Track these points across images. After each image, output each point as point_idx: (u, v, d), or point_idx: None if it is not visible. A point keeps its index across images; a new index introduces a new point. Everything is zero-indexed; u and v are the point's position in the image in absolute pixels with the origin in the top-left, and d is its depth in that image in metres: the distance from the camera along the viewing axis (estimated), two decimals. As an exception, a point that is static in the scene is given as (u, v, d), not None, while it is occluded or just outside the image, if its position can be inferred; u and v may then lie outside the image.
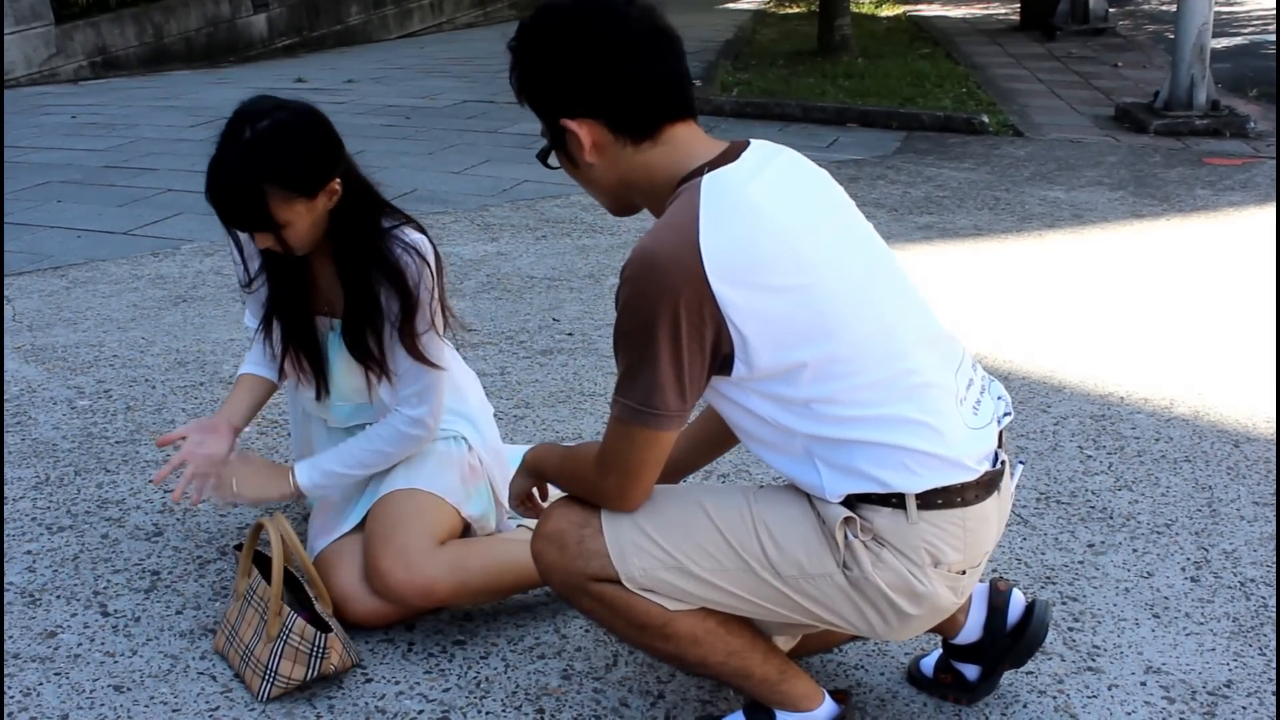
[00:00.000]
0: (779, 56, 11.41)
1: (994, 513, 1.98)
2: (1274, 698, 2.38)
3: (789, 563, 1.93)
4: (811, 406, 1.87)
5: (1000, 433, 2.03)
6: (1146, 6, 16.10)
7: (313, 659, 2.31)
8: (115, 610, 2.67)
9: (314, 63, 12.71)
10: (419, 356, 2.54)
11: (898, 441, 1.87)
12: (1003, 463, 2.00)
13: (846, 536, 1.89)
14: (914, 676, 2.40)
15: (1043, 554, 2.90)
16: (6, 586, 2.76)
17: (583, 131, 1.89)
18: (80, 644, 2.54)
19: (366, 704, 2.35)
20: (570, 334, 4.42)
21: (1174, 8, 8.55)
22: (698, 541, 1.95)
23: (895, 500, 1.88)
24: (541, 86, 1.92)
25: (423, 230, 2.57)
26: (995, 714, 2.32)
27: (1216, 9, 8.73)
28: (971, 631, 2.25)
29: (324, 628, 2.35)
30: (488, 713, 2.33)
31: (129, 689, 2.40)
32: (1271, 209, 6.23)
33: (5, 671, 2.45)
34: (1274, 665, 2.48)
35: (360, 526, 2.61)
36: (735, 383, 1.88)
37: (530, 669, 2.46)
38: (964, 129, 8.45)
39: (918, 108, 8.87)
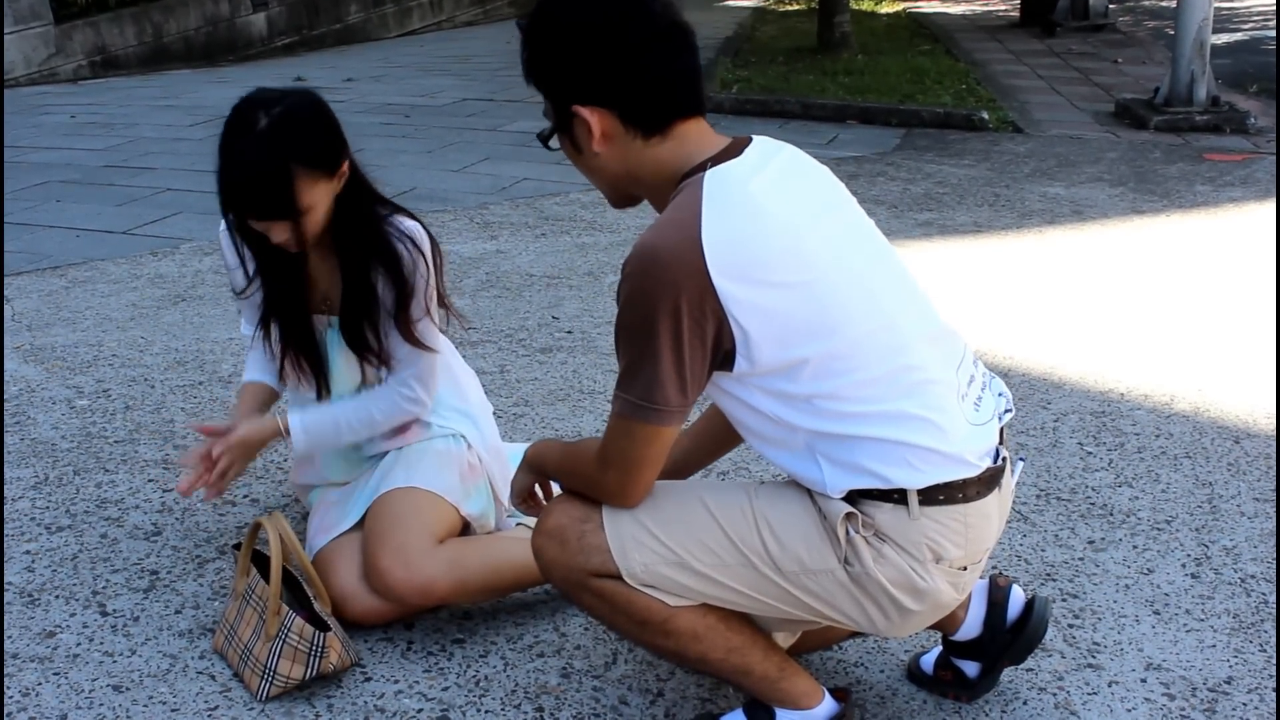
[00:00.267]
0: (779, 53, 11.41)
1: (995, 509, 1.98)
2: (1275, 694, 2.37)
3: (790, 558, 1.93)
4: (813, 402, 1.86)
5: (1001, 429, 2.03)
6: (1146, 2, 16.09)
7: (311, 658, 2.31)
8: (114, 610, 2.66)
9: (313, 61, 12.71)
10: (415, 342, 2.56)
11: (900, 437, 1.87)
12: (1004, 459, 2.00)
13: (848, 532, 1.89)
14: (914, 674, 2.40)
15: (1043, 551, 2.90)
16: (6, 586, 2.75)
17: (594, 119, 1.89)
18: (79, 644, 2.54)
19: (365, 703, 2.35)
20: (569, 332, 4.42)
21: (1174, 4, 8.55)
22: (699, 537, 1.95)
23: (897, 496, 1.88)
24: (557, 69, 1.91)
25: (416, 219, 2.58)
26: (995, 711, 2.32)
27: (1216, 5, 8.72)
28: (971, 628, 2.25)
29: (323, 627, 2.35)
30: (487, 711, 2.33)
31: (128, 689, 2.39)
32: (1272, 205, 6.23)
33: (4, 671, 2.44)
34: (1274, 662, 2.47)
35: (359, 525, 2.61)
36: (737, 378, 1.88)
37: (529, 667, 2.46)
38: (964, 125, 8.44)
39: (918, 104, 8.87)
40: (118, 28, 12.11)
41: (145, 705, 2.34)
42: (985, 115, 8.50)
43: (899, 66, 10.40)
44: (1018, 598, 2.26)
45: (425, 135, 8.26)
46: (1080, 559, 2.86)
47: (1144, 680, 2.41)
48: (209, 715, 2.32)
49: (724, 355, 1.84)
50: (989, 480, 1.94)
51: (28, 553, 2.90)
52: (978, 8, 15.99)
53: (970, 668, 2.30)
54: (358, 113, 9.07)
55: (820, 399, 1.86)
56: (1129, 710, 2.32)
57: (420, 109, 9.30)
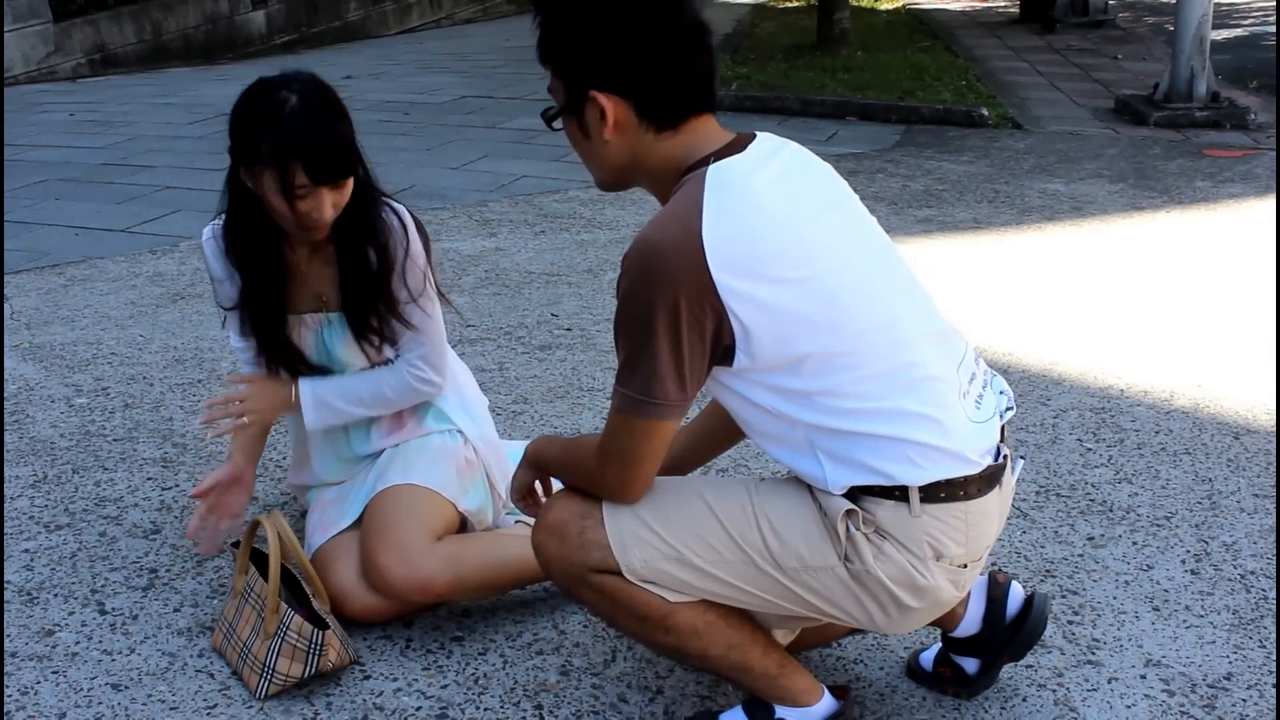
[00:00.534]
0: (778, 50, 11.40)
1: (995, 507, 1.98)
2: (1274, 690, 2.37)
3: (790, 555, 1.93)
4: (813, 398, 1.86)
5: (1002, 427, 2.03)
6: (1146, -2, 16.08)
7: (310, 656, 2.31)
8: (113, 608, 2.66)
9: (312, 59, 12.70)
10: (401, 319, 2.59)
11: (901, 434, 1.86)
12: (1004, 457, 2.00)
13: (848, 529, 1.89)
14: (913, 670, 2.40)
15: (1042, 547, 2.90)
16: (5, 584, 2.75)
17: (611, 107, 1.88)
18: (78, 642, 2.54)
19: (364, 701, 2.35)
20: (569, 329, 4.42)
21: (1173, -1, 8.55)
22: (699, 533, 1.95)
23: (898, 493, 1.88)
24: (581, 52, 1.90)
25: (397, 203, 2.61)
26: (994, 707, 2.32)
27: (1216, 0, 8.71)
28: (970, 624, 2.25)
29: (321, 625, 2.35)
30: (486, 709, 2.33)
31: (127, 687, 2.39)
32: (1271, 201, 6.22)
33: (3, 670, 2.44)
34: (1274, 658, 2.47)
35: (357, 523, 2.61)
36: (737, 373, 1.88)
37: (528, 665, 2.46)
38: (963, 122, 8.44)
39: (917, 101, 8.86)
40: (117, 26, 12.11)
41: (144, 703, 2.34)
42: (985, 112, 8.49)
43: (898, 63, 10.40)
44: (1017, 594, 2.26)
45: (424, 133, 8.26)
46: (1080, 555, 2.86)
47: (1143, 676, 2.41)
48: (208, 713, 2.31)
49: (724, 350, 1.84)
50: (990, 478, 1.94)
51: (26, 551, 2.89)
52: (977, 4, 15.97)
53: (969, 664, 2.30)
54: (357, 110, 8.99)
55: (820, 395, 1.86)
56: (1128, 707, 2.32)
57: (419, 106, 9.29)
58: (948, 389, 1.92)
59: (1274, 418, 3.63)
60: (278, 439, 3.45)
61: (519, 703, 2.34)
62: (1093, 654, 2.48)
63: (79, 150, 7.65)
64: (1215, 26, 8.65)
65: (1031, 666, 2.43)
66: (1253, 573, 2.79)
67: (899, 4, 16.08)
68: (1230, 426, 3.58)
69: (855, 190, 2.10)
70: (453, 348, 4.13)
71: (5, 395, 3.83)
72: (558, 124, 1.99)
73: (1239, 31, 12.94)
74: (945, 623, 2.25)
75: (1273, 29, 12.60)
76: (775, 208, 1.85)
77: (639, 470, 1.93)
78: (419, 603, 2.52)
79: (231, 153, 2.43)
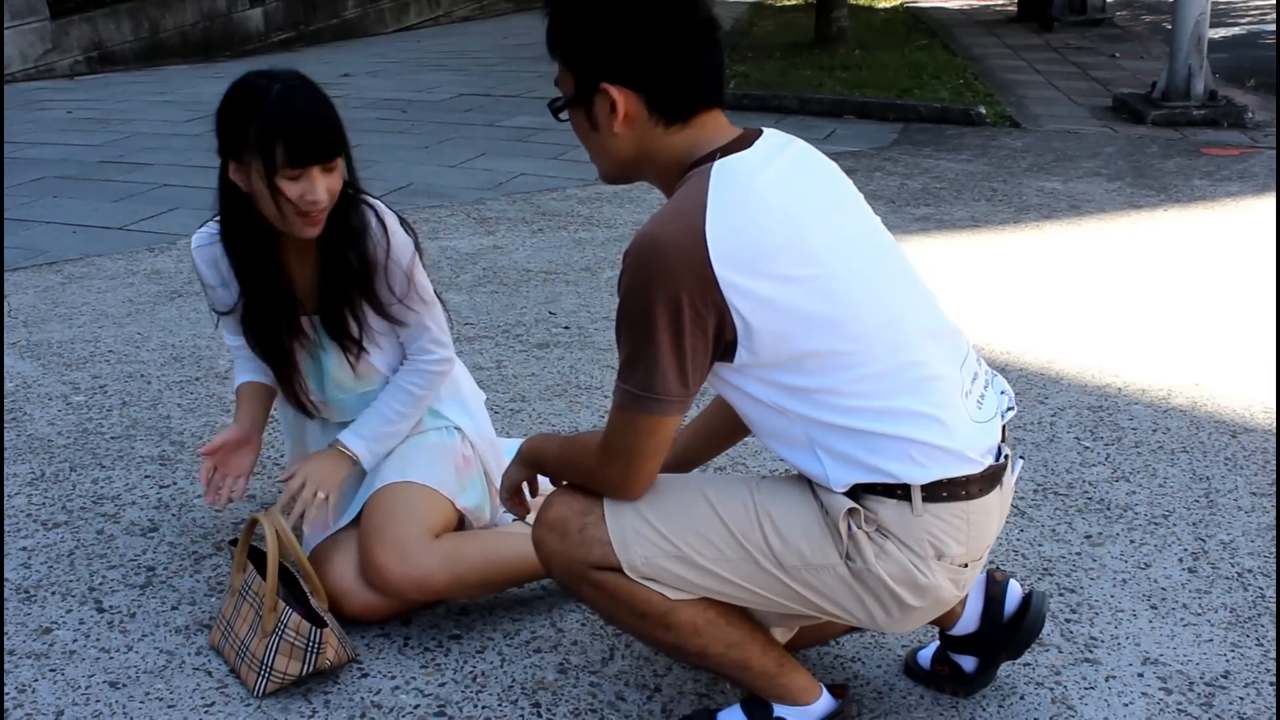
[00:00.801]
0: (776, 48, 11.40)
1: (996, 507, 1.98)
2: (1272, 688, 2.37)
3: (791, 553, 1.93)
4: (814, 396, 1.86)
5: (1003, 427, 2.03)
6: (1144, -3, 16.08)
7: (308, 654, 2.31)
8: (111, 606, 2.66)
9: (310, 57, 12.70)
10: (391, 319, 2.59)
11: (903, 433, 1.86)
12: (1005, 457, 2.00)
13: (850, 527, 1.89)
14: (911, 669, 2.40)
15: (1040, 545, 2.90)
16: (3, 582, 2.75)
17: (620, 99, 1.88)
18: (76, 640, 2.54)
19: (362, 699, 2.35)
20: (567, 327, 4.42)
21: (1171, -2, 8.55)
22: (700, 530, 1.95)
23: (900, 491, 1.88)
24: (593, 44, 1.89)
25: (377, 200, 2.60)
26: (993, 706, 2.32)
27: (1214, -1, 8.73)
28: (969, 622, 2.25)
29: (319, 623, 2.35)
30: (484, 707, 2.33)
31: (124, 685, 2.39)
32: (1269, 199, 6.23)
33: (1, 668, 2.44)
34: (1271, 656, 2.47)
35: (355, 521, 2.61)
36: (738, 369, 1.88)
37: (526, 663, 2.46)
38: (961, 120, 8.44)
39: (915, 99, 8.86)
40: (114, 23, 12.10)
41: (142, 701, 2.34)
42: (983, 110, 8.49)
43: (896, 61, 10.39)
44: (1015, 592, 2.26)
45: (422, 130, 8.25)
46: (1077, 554, 2.86)
47: (1141, 675, 2.41)
48: (206, 711, 2.31)
49: (726, 346, 1.84)
50: (991, 477, 1.94)
51: (24, 549, 2.89)
52: (975, 2, 15.98)
53: (967, 662, 2.30)
54: (355, 108, 9.06)
55: (822, 393, 1.86)
56: (1126, 705, 2.32)
57: (417, 104, 9.29)
58: (950, 388, 1.92)
59: (1272, 416, 3.63)
60: (276, 438, 3.45)
61: (517, 701, 2.34)
62: (1090, 652, 2.49)
63: (76, 148, 7.65)
64: (1213, 25, 8.65)
65: (1029, 665, 2.43)
66: (1250, 571, 2.79)
67: (897, 2, 16.08)
68: (1228, 425, 3.58)
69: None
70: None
71: (3, 393, 3.83)
72: (565, 116, 1.98)
73: (1236, 30, 12.95)
74: (943, 621, 2.25)
75: (1270, 27, 12.62)
76: (780, 205, 1.85)
77: (641, 467, 1.93)
78: (417, 600, 2.52)
79: (220, 152, 2.41)
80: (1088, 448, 3.43)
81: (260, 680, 2.32)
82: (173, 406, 3.72)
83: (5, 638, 2.54)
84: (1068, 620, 2.59)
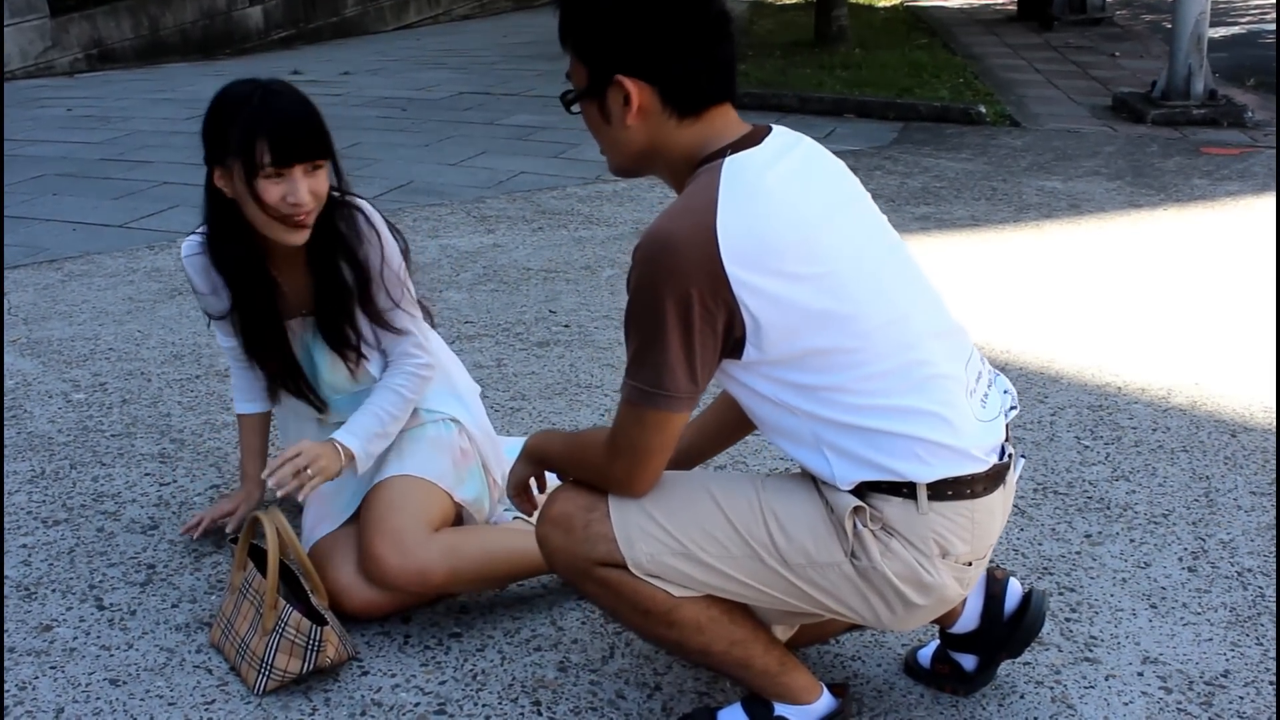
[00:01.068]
0: (776, 47, 11.39)
1: (1000, 506, 1.98)
2: (1271, 688, 2.37)
3: (796, 551, 1.93)
4: (821, 393, 1.87)
5: (1006, 426, 2.03)
6: (1144, -4, 16.08)
7: (308, 652, 2.31)
8: (111, 604, 2.66)
9: (310, 55, 12.69)
10: (386, 326, 2.60)
11: (909, 431, 1.87)
12: (1009, 456, 2.00)
13: (855, 526, 1.89)
14: (911, 667, 2.40)
15: (1040, 544, 2.90)
16: (3, 580, 2.75)
17: (635, 91, 1.88)
18: (76, 638, 2.54)
19: (363, 697, 2.35)
20: (567, 326, 4.42)
21: (1171, -3, 8.55)
22: (705, 528, 1.95)
23: (906, 490, 1.88)
24: (608, 36, 1.89)
25: (364, 200, 2.60)
26: (992, 705, 2.32)
27: (1214, -2, 8.72)
28: (969, 620, 2.25)
29: (320, 621, 2.35)
30: (484, 705, 2.33)
31: (125, 682, 2.39)
32: (1269, 198, 6.23)
33: (2, 665, 2.44)
34: (1271, 655, 2.48)
35: (355, 519, 2.61)
36: (745, 366, 1.88)
37: (527, 661, 2.46)
38: (961, 119, 8.43)
39: (915, 98, 8.86)
40: (114, 21, 12.10)
41: (142, 699, 2.34)
42: (982, 109, 8.49)
43: (896, 60, 10.39)
44: (1015, 590, 2.26)
45: (422, 129, 8.25)
46: (1077, 553, 2.86)
47: (1141, 674, 2.42)
48: (206, 709, 2.31)
49: (734, 343, 1.84)
50: (995, 476, 1.95)
51: (24, 546, 2.89)
52: (975, 1, 15.97)
53: (967, 661, 2.30)
54: (355, 106, 9.06)
55: (829, 390, 1.87)
56: (1126, 704, 2.32)
57: (417, 102, 9.29)
58: (956, 387, 1.92)
59: (1272, 415, 3.63)
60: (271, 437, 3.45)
61: (517, 699, 2.34)
62: (1090, 651, 2.49)
63: (76, 145, 7.65)
64: (1213, 24, 8.65)
65: (1029, 664, 2.43)
66: (1250, 570, 2.79)
67: (897, 1, 16.07)
68: (1228, 424, 3.58)
69: (857, 188, 2.10)
70: (451, 344, 4.13)
71: (3, 390, 3.83)
72: (576, 108, 1.98)
73: (1236, 29, 12.94)
74: (943, 619, 2.26)
75: (1270, 27, 12.62)
76: (790, 203, 1.85)
77: (649, 463, 1.93)
78: (416, 593, 2.52)
79: (206, 160, 2.41)
80: (1087, 447, 3.43)
81: (260, 678, 2.32)
82: (173, 404, 3.72)
83: (5, 635, 2.54)
84: (1068, 619, 2.60)
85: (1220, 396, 3.77)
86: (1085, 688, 2.37)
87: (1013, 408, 2.06)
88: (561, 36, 1.95)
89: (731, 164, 1.86)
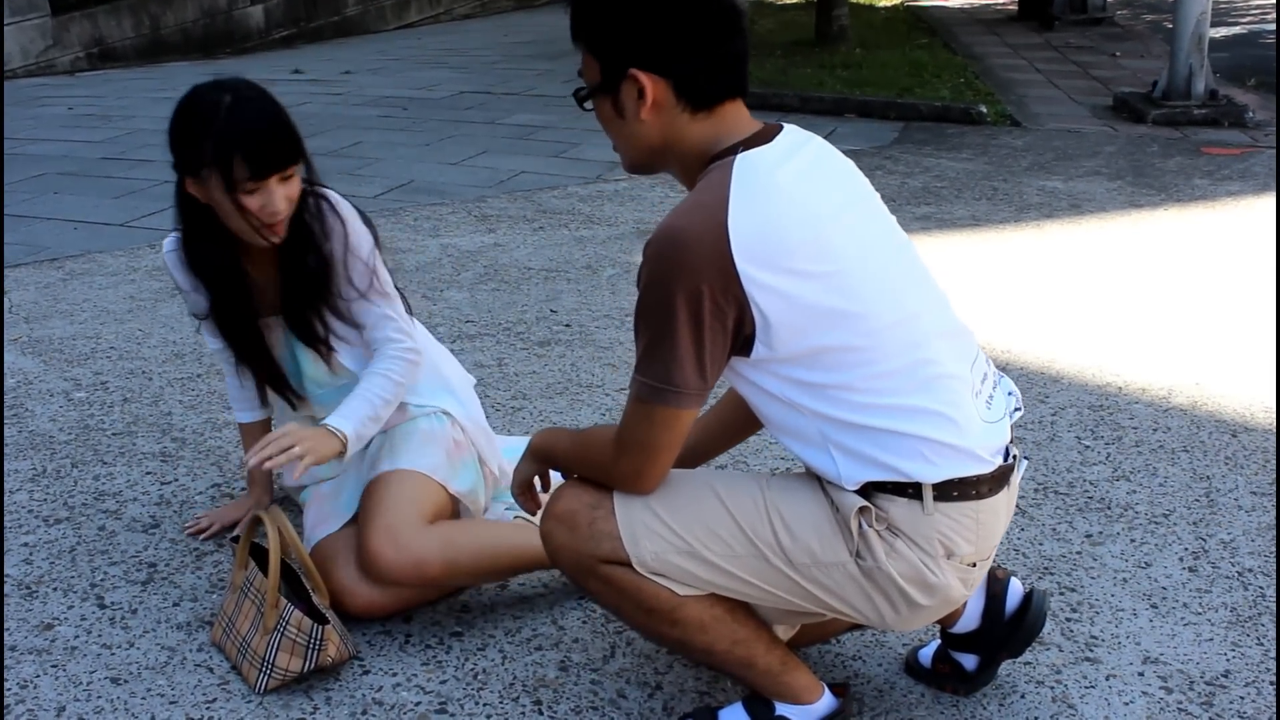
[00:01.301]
0: (776, 47, 11.39)
1: (1004, 507, 1.99)
2: (1272, 688, 2.38)
3: (801, 550, 1.93)
4: (829, 392, 1.87)
5: (1010, 428, 2.03)
6: (1145, -4, 16.08)
7: (309, 651, 2.31)
8: (112, 602, 2.66)
9: (311, 54, 12.70)
10: (347, 315, 2.58)
11: (916, 431, 1.87)
12: (1013, 457, 2.00)
13: (860, 526, 1.89)
14: (912, 667, 2.40)
15: (1040, 544, 2.90)
16: (4, 578, 2.75)
17: (649, 85, 1.88)
18: (77, 636, 2.54)
19: (364, 695, 2.35)
20: (567, 325, 4.42)
21: (1172, -3, 8.55)
22: (710, 526, 1.95)
23: (911, 490, 1.88)
24: (622, 30, 1.89)
25: (333, 191, 2.59)
26: (993, 704, 2.32)
27: (1215, -2, 8.72)
28: (970, 620, 2.25)
29: (321, 620, 2.35)
30: (485, 704, 2.33)
31: (126, 681, 2.39)
32: (1269, 198, 6.23)
33: (3, 664, 2.44)
34: (1272, 655, 2.48)
35: (355, 520, 2.61)
36: (754, 364, 1.88)
37: (528, 661, 2.46)
38: (962, 119, 8.43)
39: (915, 98, 8.86)
40: (115, 20, 12.10)
41: (143, 697, 2.34)
42: (983, 109, 8.49)
43: (897, 60, 10.39)
44: (1016, 590, 2.26)
45: (423, 128, 8.25)
46: (1078, 553, 2.87)
47: (1141, 674, 2.42)
48: (207, 708, 2.32)
49: (744, 340, 1.84)
50: (1000, 477, 1.95)
51: (25, 545, 2.89)
52: (975, 1, 15.97)
53: (968, 660, 2.30)
54: (355, 105, 9.06)
55: (837, 389, 1.87)
56: (1126, 704, 2.33)
57: (418, 102, 9.29)
58: (962, 387, 1.93)
59: (1272, 415, 3.63)
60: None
61: (518, 698, 2.35)
62: (1091, 651, 2.49)
63: (77, 144, 7.65)
64: (1213, 24, 8.65)
65: (1030, 663, 2.43)
66: (1250, 570, 2.79)
67: (897, 1, 16.07)
68: (1228, 424, 3.58)
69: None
70: (452, 343, 4.14)
71: (4, 389, 3.83)
72: (589, 105, 1.98)
73: (1237, 29, 12.94)
74: (944, 619, 2.26)
75: (1271, 27, 12.61)
76: (800, 201, 1.85)
77: (657, 460, 1.93)
78: (414, 586, 2.51)
79: (175, 167, 2.41)
80: (1088, 447, 3.43)
81: (262, 677, 2.33)
82: (174, 403, 3.73)
83: (7, 633, 2.54)
84: (1068, 619, 2.60)
85: (1221, 396, 3.77)
86: (1086, 687, 2.37)
87: (1017, 409, 2.06)
88: (573, 33, 1.95)
89: (743, 161, 1.86)
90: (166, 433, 3.51)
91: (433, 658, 2.47)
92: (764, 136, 1.91)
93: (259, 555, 2.45)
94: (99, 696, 2.35)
